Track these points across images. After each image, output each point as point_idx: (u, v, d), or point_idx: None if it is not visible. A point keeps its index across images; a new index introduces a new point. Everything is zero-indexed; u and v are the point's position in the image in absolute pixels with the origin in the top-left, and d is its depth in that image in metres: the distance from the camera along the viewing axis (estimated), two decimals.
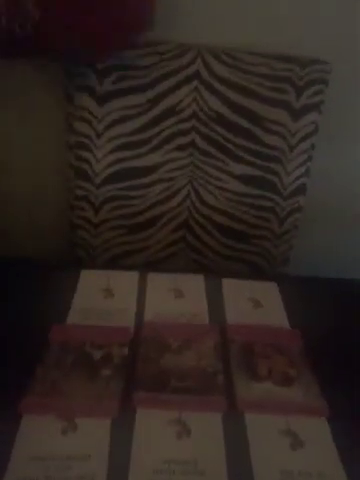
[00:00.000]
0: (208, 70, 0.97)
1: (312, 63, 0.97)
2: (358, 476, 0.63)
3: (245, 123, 1.01)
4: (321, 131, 1.03)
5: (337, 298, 0.96)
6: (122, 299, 0.91)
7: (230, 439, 0.66)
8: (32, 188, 1.18)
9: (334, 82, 0.99)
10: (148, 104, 1.00)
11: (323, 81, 0.99)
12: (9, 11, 0.73)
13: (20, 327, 0.82)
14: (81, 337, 0.80)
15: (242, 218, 1.11)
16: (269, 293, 0.97)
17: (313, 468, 0.63)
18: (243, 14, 0.98)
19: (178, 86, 0.99)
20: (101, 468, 0.60)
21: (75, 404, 0.68)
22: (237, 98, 0.99)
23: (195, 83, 0.99)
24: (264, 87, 0.98)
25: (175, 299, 0.93)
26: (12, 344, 0.79)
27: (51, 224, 1.22)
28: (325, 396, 0.72)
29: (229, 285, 0.98)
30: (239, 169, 1.05)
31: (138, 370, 0.74)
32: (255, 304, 0.93)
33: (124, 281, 0.96)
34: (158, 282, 0.97)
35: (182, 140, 1.03)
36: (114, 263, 1.14)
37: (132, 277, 0.98)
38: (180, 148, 1.04)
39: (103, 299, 0.91)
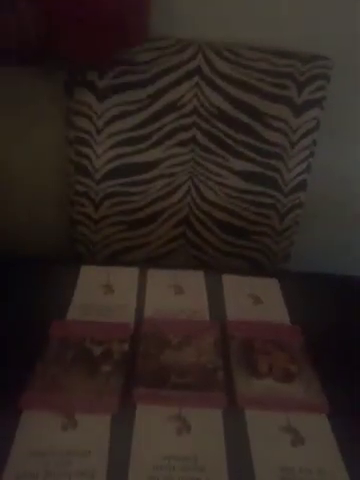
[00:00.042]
0: (209, 66, 0.97)
1: (313, 59, 0.97)
2: (359, 472, 0.63)
3: (246, 119, 1.01)
4: (323, 127, 1.03)
5: (338, 294, 0.96)
6: (122, 295, 0.91)
7: (230, 435, 0.66)
8: (32, 184, 1.17)
9: (336, 78, 0.98)
10: (148, 100, 0.99)
11: (325, 77, 0.98)
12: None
13: (20, 323, 0.82)
14: (81, 333, 0.80)
15: (242, 214, 1.10)
16: (269, 289, 0.97)
17: (314, 464, 0.63)
18: (244, 9, 0.97)
19: (179, 82, 0.98)
20: (101, 464, 0.60)
21: (75, 400, 0.68)
22: (238, 94, 0.99)
23: (196, 79, 0.98)
24: (265, 83, 0.98)
25: (175, 295, 0.93)
26: (12, 340, 0.78)
27: (51, 220, 1.21)
28: (326, 392, 0.72)
29: (229, 281, 0.98)
30: (240, 165, 1.05)
31: (138, 366, 0.74)
32: (255, 300, 0.93)
33: (124, 277, 0.96)
34: (158, 278, 0.97)
35: (183, 136, 1.03)
36: (114, 259, 1.14)
37: (132, 273, 0.98)
38: (181, 144, 1.04)
39: (103, 295, 0.91)
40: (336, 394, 0.72)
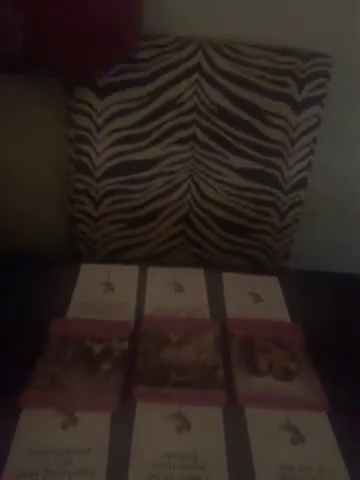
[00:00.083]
0: (209, 63, 0.97)
1: (314, 56, 0.97)
2: (359, 470, 0.63)
3: (246, 116, 1.01)
4: (323, 126, 1.02)
5: (338, 292, 0.96)
6: (122, 293, 0.91)
7: (230, 433, 0.66)
8: (32, 182, 1.17)
9: (336, 77, 0.98)
10: (148, 97, 0.99)
11: (325, 74, 0.98)
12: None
13: (20, 321, 0.82)
14: (81, 331, 0.80)
15: (242, 212, 1.10)
16: (269, 287, 0.97)
17: (314, 462, 0.63)
18: (244, 8, 0.97)
19: (178, 79, 0.98)
20: (101, 462, 0.60)
21: (75, 398, 0.68)
22: (238, 91, 0.99)
23: (196, 76, 0.98)
24: (265, 80, 0.98)
25: (175, 293, 0.93)
26: (12, 338, 0.78)
27: (51, 218, 1.21)
28: (326, 390, 0.72)
29: (229, 279, 0.98)
30: (240, 163, 1.05)
31: (138, 364, 0.74)
32: (255, 298, 0.93)
33: (124, 275, 0.96)
34: (158, 276, 0.97)
35: (183, 133, 1.03)
36: (114, 257, 1.14)
37: (132, 271, 0.98)
38: (181, 141, 1.04)
39: (103, 293, 0.91)
40: (336, 392, 0.72)
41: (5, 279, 0.92)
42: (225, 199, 1.09)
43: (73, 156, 1.04)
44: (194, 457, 0.62)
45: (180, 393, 0.70)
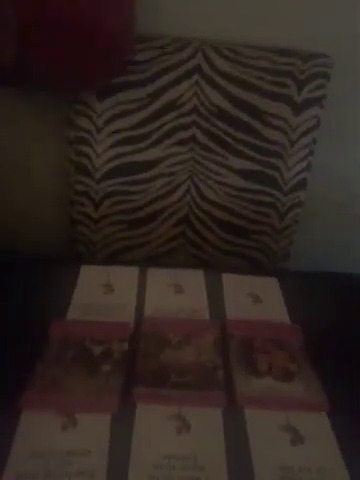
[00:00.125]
0: (209, 64, 0.97)
1: (313, 57, 0.97)
2: (359, 470, 0.63)
3: (246, 117, 1.01)
4: (323, 127, 1.02)
5: (338, 293, 0.96)
6: (122, 294, 0.91)
7: (230, 434, 0.66)
8: (32, 183, 1.17)
9: (336, 78, 0.98)
10: (148, 98, 0.99)
11: (325, 75, 0.98)
12: None
13: (20, 323, 0.82)
14: (81, 332, 0.80)
15: (242, 213, 1.10)
16: (269, 288, 0.97)
17: (313, 463, 0.63)
18: (244, 7, 0.97)
19: (178, 80, 0.98)
20: (101, 464, 0.60)
21: (75, 400, 0.68)
22: (238, 92, 0.99)
23: (196, 77, 0.98)
24: (265, 81, 0.98)
25: (175, 294, 0.93)
26: (12, 339, 0.79)
27: (51, 220, 1.21)
28: (326, 391, 0.72)
29: (229, 280, 0.98)
30: (239, 164, 1.05)
31: (138, 365, 0.74)
32: (255, 299, 0.93)
33: (124, 276, 0.96)
34: (158, 277, 0.97)
35: (183, 135, 1.03)
36: (114, 258, 1.14)
37: (132, 272, 0.98)
38: (181, 143, 1.04)
39: (103, 294, 0.91)
40: (336, 393, 0.72)
41: (5, 280, 0.92)
42: (225, 200, 1.09)
43: (73, 158, 1.04)
44: (194, 458, 0.62)
45: (180, 394, 0.70)
